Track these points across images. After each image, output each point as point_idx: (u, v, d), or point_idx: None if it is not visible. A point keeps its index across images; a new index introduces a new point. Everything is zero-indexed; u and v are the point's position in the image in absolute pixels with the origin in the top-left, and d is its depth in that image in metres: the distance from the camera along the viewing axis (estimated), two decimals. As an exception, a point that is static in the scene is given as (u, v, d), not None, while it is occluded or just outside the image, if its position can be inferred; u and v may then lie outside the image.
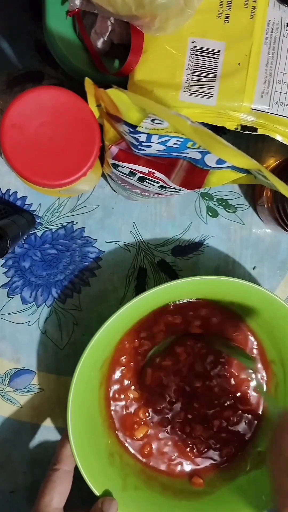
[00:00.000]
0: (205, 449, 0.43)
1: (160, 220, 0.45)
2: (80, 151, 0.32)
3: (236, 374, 0.44)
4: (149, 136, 0.30)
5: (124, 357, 0.43)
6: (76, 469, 0.38)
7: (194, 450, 0.43)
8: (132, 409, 0.43)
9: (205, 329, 0.43)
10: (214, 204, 0.45)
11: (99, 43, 0.36)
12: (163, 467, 0.43)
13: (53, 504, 0.37)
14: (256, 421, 0.44)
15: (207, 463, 0.43)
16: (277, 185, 0.28)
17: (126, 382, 0.43)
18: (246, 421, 0.44)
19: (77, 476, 0.38)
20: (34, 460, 0.45)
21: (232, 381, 0.44)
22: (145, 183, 0.35)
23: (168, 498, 0.41)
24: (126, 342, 0.43)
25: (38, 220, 0.44)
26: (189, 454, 0.43)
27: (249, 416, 0.44)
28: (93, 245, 0.45)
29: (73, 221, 0.44)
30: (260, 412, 0.44)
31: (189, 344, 0.43)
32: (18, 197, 0.44)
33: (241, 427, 0.44)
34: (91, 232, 0.44)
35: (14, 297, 0.44)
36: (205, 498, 0.41)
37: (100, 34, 0.36)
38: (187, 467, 0.43)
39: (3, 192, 0.44)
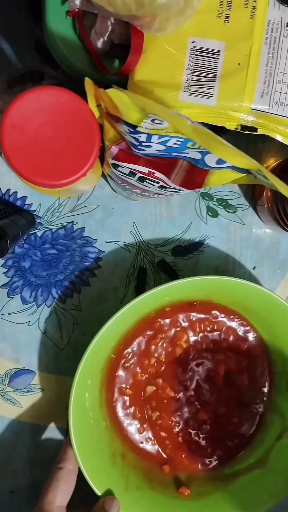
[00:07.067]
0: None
1: (160, 220, 0.45)
2: (80, 151, 0.32)
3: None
4: (149, 136, 0.30)
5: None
6: (79, 469, 0.38)
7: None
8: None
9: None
10: (214, 204, 0.45)
11: (99, 43, 0.36)
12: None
13: (56, 502, 0.37)
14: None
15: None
16: (277, 185, 0.28)
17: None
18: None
19: (78, 476, 0.38)
20: (34, 460, 0.45)
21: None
22: (145, 183, 0.35)
23: (170, 497, 0.41)
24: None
25: (38, 220, 0.44)
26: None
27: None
28: (93, 245, 0.45)
29: (73, 221, 0.44)
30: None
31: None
32: (18, 197, 0.44)
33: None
34: (91, 232, 0.44)
35: (14, 297, 0.44)
36: (208, 497, 0.41)
37: (100, 34, 0.36)
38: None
39: (3, 192, 0.44)
